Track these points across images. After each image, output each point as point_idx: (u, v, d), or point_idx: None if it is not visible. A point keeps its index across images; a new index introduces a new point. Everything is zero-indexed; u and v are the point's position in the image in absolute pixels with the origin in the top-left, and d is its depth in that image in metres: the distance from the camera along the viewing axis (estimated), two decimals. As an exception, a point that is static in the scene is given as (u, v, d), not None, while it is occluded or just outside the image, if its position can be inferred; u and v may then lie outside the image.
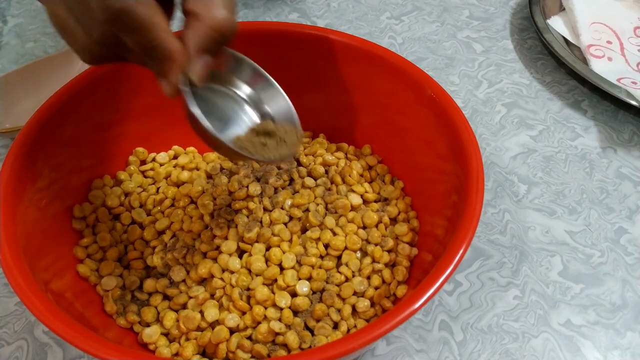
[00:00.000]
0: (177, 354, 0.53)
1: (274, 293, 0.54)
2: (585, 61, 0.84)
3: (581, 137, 0.78)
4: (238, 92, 0.53)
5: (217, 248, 0.57)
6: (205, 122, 0.44)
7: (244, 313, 0.54)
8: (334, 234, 0.59)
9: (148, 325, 0.55)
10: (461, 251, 0.45)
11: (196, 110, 0.44)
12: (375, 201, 0.64)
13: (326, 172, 0.65)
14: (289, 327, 0.53)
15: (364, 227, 0.60)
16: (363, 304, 0.54)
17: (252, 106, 0.54)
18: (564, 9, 0.93)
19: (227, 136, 0.50)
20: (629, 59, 0.86)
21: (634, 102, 0.74)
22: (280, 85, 0.68)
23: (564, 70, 0.87)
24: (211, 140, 0.45)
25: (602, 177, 0.73)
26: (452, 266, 0.44)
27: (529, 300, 0.61)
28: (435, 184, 0.58)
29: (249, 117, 0.54)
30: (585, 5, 0.91)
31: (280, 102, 0.54)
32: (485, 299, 0.62)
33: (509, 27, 0.96)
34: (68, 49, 0.84)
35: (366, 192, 0.63)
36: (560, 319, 0.60)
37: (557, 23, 0.90)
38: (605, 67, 0.83)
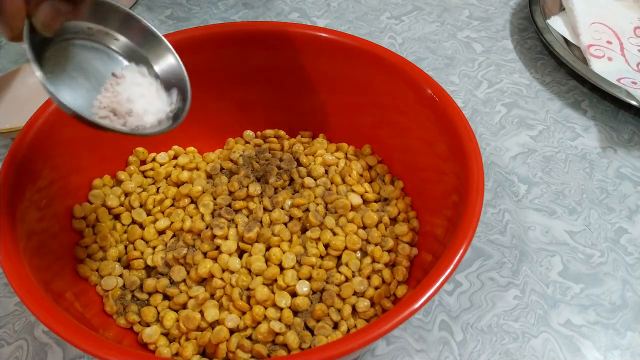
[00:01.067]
0: (177, 354, 0.53)
1: (274, 293, 0.54)
2: (585, 61, 0.84)
3: (581, 137, 0.78)
4: (117, 49, 0.48)
5: (217, 248, 0.57)
6: (41, 77, 0.39)
7: (244, 313, 0.54)
8: (334, 234, 0.59)
9: (148, 325, 0.55)
10: (461, 251, 0.45)
11: (34, 65, 0.39)
12: (375, 201, 0.64)
13: (326, 172, 0.65)
14: (289, 327, 0.53)
15: (364, 227, 0.60)
16: (363, 304, 0.54)
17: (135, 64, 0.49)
18: (564, 9, 0.93)
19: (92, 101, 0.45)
20: (629, 59, 0.86)
21: (634, 102, 0.74)
22: (280, 85, 0.68)
23: (564, 70, 0.87)
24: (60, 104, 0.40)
25: (602, 177, 0.73)
26: (452, 266, 0.44)
27: (529, 300, 0.61)
28: (435, 184, 0.58)
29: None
30: (585, 5, 0.91)
31: (168, 61, 0.49)
32: (485, 299, 0.62)
33: (509, 27, 0.96)
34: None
35: (366, 192, 0.63)
36: (560, 319, 0.60)
37: (557, 23, 0.90)
38: (605, 67, 0.83)
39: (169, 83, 0.49)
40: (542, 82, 0.86)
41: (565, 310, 0.61)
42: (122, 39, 0.48)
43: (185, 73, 0.48)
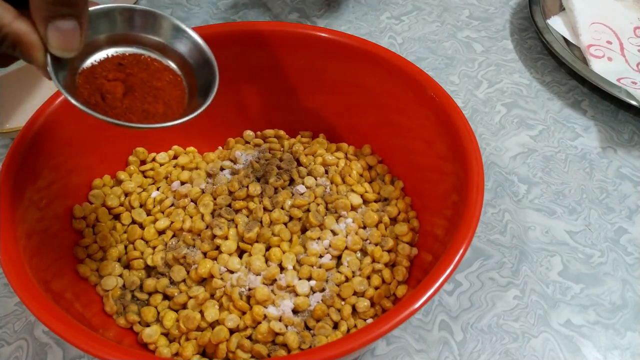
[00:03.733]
0: (177, 354, 0.53)
1: (274, 293, 0.55)
2: (585, 61, 0.84)
3: (581, 137, 0.78)
4: (146, 49, 0.49)
5: (217, 248, 0.57)
6: (69, 98, 0.42)
7: (244, 313, 0.53)
8: (334, 233, 0.59)
9: (148, 325, 0.55)
10: (461, 251, 0.45)
11: (59, 87, 0.41)
12: (375, 201, 0.64)
13: (326, 172, 0.65)
14: (288, 327, 0.53)
15: (364, 227, 0.60)
16: (363, 304, 0.54)
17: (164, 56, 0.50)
18: (564, 9, 0.93)
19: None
20: (629, 59, 0.86)
21: (634, 102, 0.75)
22: (280, 85, 0.68)
23: (564, 70, 0.87)
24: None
25: (602, 177, 0.73)
26: (452, 266, 0.44)
27: (529, 300, 0.62)
28: (435, 184, 0.58)
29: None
30: (585, 5, 0.91)
31: (191, 45, 0.50)
32: (485, 299, 0.62)
33: (509, 27, 0.96)
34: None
35: (366, 192, 0.63)
36: (560, 319, 0.60)
37: (557, 23, 0.90)
38: (605, 67, 0.83)
39: (199, 66, 0.50)
40: (542, 82, 0.86)
41: (565, 310, 0.61)
42: (148, 36, 0.49)
43: (211, 54, 0.50)
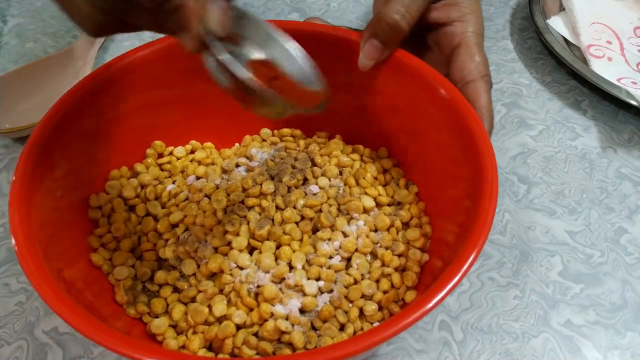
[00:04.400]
0: (183, 347, 0.51)
1: (282, 292, 0.53)
2: (585, 61, 0.81)
3: (581, 137, 0.76)
4: (248, 54, 0.48)
5: (229, 244, 0.54)
6: (240, 68, 0.41)
7: (251, 310, 0.50)
8: (345, 235, 0.57)
9: (157, 316, 0.52)
10: (470, 259, 0.42)
11: (227, 57, 0.41)
12: (389, 205, 0.60)
13: (340, 173, 0.61)
14: (295, 326, 0.51)
15: (376, 230, 0.57)
16: (371, 307, 0.51)
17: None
18: (564, 9, 0.89)
19: None
20: (629, 59, 0.84)
21: (634, 102, 0.71)
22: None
23: (564, 70, 0.84)
24: (244, 89, 0.42)
25: (602, 177, 0.71)
26: (460, 274, 0.41)
27: (529, 300, 0.60)
28: (449, 189, 0.54)
29: None
30: (585, 5, 0.87)
31: (291, 59, 0.49)
32: (485, 299, 0.60)
33: (509, 27, 0.94)
34: (68, 48, 0.79)
35: (379, 195, 0.59)
36: (560, 319, 0.58)
37: (557, 23, 0.87)
38: (605, 67, 0.80)
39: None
40: (542, 82, 0.84)
41: (565, 310, 0.59)
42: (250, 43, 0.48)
43: (311, 64, 0.50)
